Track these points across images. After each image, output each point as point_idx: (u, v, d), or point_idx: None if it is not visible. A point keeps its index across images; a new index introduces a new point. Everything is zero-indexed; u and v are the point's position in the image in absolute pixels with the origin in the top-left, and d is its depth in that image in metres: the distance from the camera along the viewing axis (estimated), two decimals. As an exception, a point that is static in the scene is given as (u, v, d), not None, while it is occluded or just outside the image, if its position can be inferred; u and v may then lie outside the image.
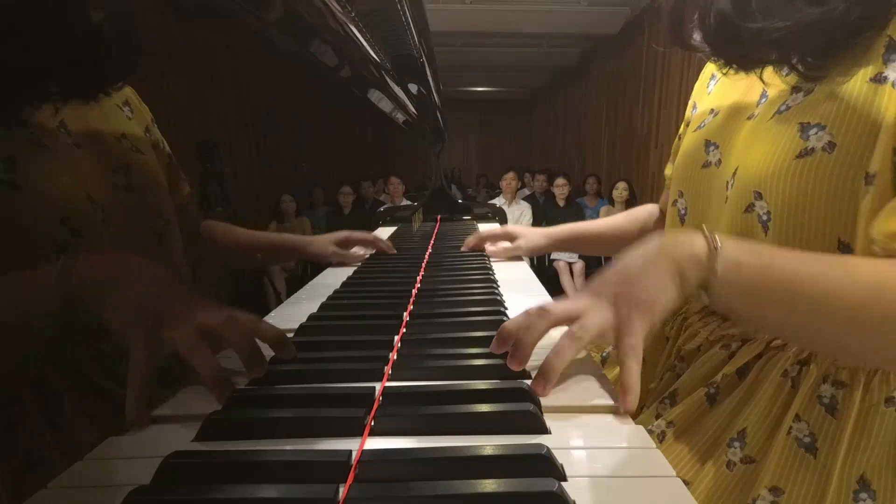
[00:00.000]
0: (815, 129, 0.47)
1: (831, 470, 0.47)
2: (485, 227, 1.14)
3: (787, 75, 0.52)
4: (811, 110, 0.48)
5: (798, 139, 0.47)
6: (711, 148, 0.60)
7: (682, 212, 0.64)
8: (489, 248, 1.05)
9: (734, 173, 0.54)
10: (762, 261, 0.43)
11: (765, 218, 0.50)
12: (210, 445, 0.37)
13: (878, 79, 0.44)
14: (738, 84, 0.59)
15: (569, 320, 0.44)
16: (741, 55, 0.51)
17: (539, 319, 0.44)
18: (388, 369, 0.47)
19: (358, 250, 1.03)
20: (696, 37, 0.53)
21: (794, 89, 0.51)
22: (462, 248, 1.07)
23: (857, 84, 0.45)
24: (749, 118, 0.56)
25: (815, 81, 0.48)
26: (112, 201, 0.61)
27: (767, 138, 0.51)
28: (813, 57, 0.47)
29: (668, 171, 0.81)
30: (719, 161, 0.58)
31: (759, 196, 0.50)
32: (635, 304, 0.43)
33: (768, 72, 0.52)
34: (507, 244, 1.03)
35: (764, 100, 0.55)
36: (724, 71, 0.55)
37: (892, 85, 0.43)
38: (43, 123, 0.56)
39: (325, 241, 1.00)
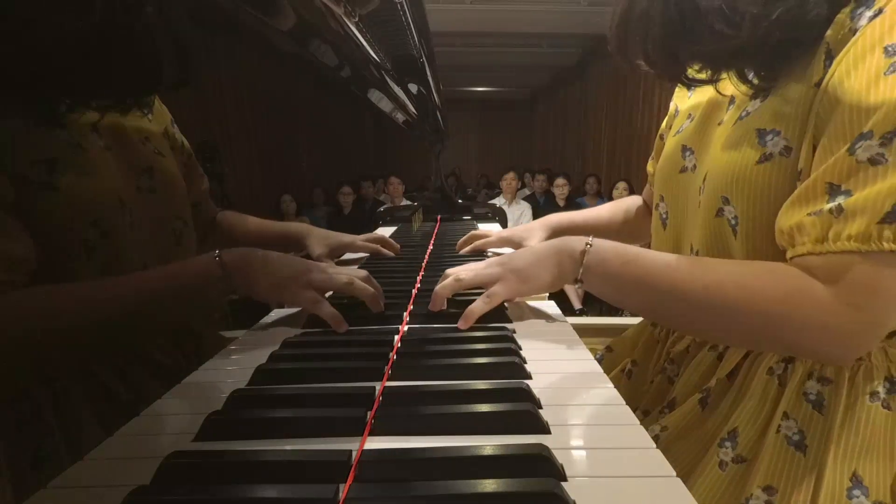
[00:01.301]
0: (771, 135, 0.48)
1: (822, 467, 0.47)
2: (481, 228, 1.07)
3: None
4: (766, 116, 0.49)
5: (757, 145, 0.49)
6: (687, 153, 0.61)
7: (664, 216, 0.65)
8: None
9: (704, 178, 0.55)
10: (624, 258, 0.54)
11: (733, 222, 0.51)
12: (210, 445, 0.37)
13: (820, 83, 0.45)
14: (711, 89, 0.60)
15: (479, 286, 0.60)
16: (682, 75, 0.53)
17: (455, 282, 0.61)
18: (388, 369, 0.47)
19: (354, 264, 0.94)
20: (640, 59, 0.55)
21: (753, 95, 0.52)
22: (457, 250, 1.01)
23: (804, 89, 0.46)
24: (719, 124, 0.57)
25: (766, 91, 0.50)
26: (137, 203, 0.61)
27: (731, 144, 0.52)
28: (764, 70, 0.49)
29: (650, 167, 0.82)
30: (694, 166, 0.60)
31: (727, 201, 0.52)
32: (516, 273, 0.59)
33: (729, 80, 0.53)
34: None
35: (731, 106, 0.56)
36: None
37: (817, 85, 0.45)
38: (80, 126, 0.56)
39: (319, 242, 0.93)
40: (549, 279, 0.58)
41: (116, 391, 0.56)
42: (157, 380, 0.60)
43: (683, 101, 0.68)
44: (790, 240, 0.45)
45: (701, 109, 0.61)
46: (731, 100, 0.56)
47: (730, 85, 0.54)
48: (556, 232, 0.96)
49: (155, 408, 0.43)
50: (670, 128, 0.71)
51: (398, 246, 1.03)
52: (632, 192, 4.15)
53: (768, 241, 0.49)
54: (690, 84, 0.54)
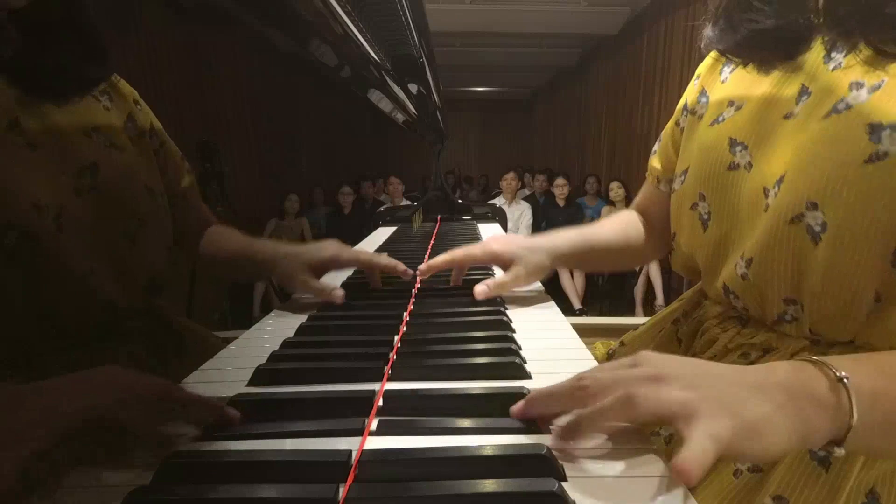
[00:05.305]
0: (888, 130, 0.41)
1: (843, 483, 0.45)
2: (481, 229, 0.99)
3: (844, 56, 0.46)
4: (882, 108, 0.42)
5: (867, 141, 0.42)
6: (738, 148, 0.53)
7: (705, 216, 0.58)
8: (477, 289, 0.68)
9: (779, 180, 0.48)
10: (890, 379, 0.36)
11: (817, 229, 0.45)
12: (210, 445, 0.37)
13: None
14: (763, 81, 0.53)
15: (660, 421, 0.36)
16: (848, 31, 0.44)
17: (623, 408, 0.33)
18: (388, 369, 0.47)
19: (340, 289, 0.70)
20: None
21: (856, 85, 0.44)
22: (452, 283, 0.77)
23: None
24: (787, 117, 0.50)
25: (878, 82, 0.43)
26: (72, 204, 0.56)
27: (825, 141, 0.45)
28: None
29: (653, 161, 0.73)
30: (749, 164, 0.52)
31: (814, 206, 0.44)
32: (738, 418, 0.32)
33: (811, 64, 0.48)
34: (498, 276, 0.71)
35: (805, 97, 0.48)
36: (733, 64, 0.52)
37: None
38: None
39: (295, 266, 0.71)
40: (786, 441, 0.33)
41: None
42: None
43: (714, 86, 0.60)
44: None
45: (754, 99, 0.53)
46: (804, 90, 0.49)
47: (796, 78, 0.48)
48: (566, 260, 0.74)
49: (155, 408, 0.43)
50: (693, 113, 0.62)
51: (402, 266, 0.75)
52: (627, 191, 4.16)
53: (858, 252, 0.43)
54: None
